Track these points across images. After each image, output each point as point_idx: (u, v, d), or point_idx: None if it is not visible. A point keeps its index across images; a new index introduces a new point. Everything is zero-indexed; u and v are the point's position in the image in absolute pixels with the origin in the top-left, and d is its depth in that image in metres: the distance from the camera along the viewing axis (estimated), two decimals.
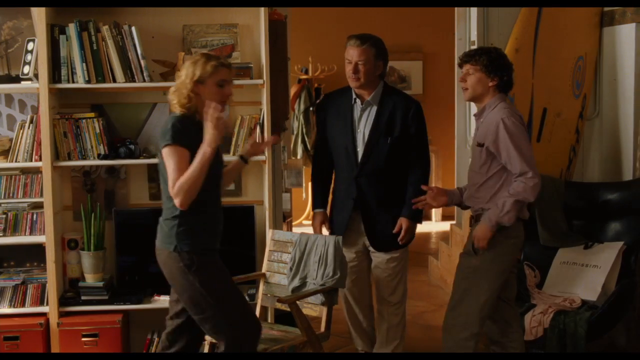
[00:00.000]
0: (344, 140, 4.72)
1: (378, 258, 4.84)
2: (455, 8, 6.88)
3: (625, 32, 5.28)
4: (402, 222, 4.72)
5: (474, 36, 6.16)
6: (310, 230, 4.99)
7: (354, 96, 4.73)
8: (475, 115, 4.40)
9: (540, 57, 5.28)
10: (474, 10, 6.26)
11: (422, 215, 4.83)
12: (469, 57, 4.27)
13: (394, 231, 4.72)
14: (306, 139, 9.10)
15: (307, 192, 9.49)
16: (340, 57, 9.26)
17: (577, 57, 5.49)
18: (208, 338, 4.52)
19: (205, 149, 3.67)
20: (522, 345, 4.43)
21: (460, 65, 4.32)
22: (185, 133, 3.77)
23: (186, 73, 3.83)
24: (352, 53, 4.69)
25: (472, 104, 4.72)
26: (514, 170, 4.14)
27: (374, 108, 4.68)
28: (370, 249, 4.84)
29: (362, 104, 4.70)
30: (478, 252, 4.22)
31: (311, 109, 9.11)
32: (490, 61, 4.21)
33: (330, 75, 9.31)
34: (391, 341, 4.86)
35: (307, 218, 9.59)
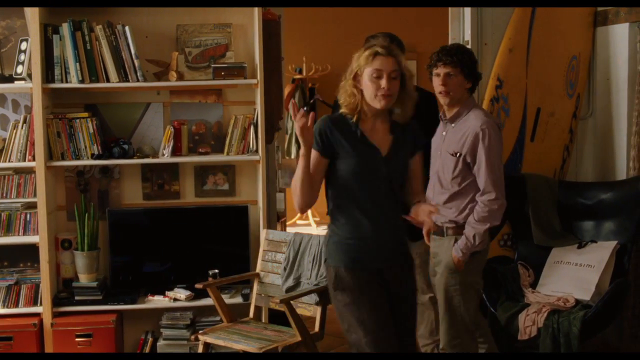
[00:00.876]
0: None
1: None
2: (449, 8, 6.86)
3: (618, 32, 5.27)
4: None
5: (467, 36, 6.13)
6: (304, 229, 4.98)
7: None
8: (446, 120, 4.09)
9: (534, 57, 5.26)
10: (467, 10, 6.24)
11: None
12: (449, 57, 3.95)
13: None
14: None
15: None
16: (334, 57, 9.40)
17: (570, 56, 5.48)
18: (202, 337, 4.52)
19: (300, 154, 3.40)
20: (492, 345, 4.41)
21: (434, 66, 4.00)
22: (319, 136, 3.42)
23: (350, 66, 3.48)
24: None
25: None
26: (479, 185, 3.97)
27: None
28: None
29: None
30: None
31: (305, 108, 9.08)
32: (471, 61, 4.01)
33: (325, 75, 9.30)
34: None
35: (300, 218, 9.59)
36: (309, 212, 9.49)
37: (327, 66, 9.25)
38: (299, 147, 9.01)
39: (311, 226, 9.40)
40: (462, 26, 6.61)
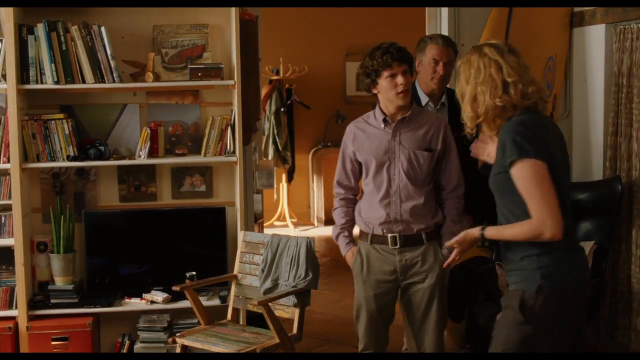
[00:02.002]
0: None
1: None
2: (426, 9, 6.87)
3: (595, 33, 5.29)
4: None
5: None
6: (282, 231, 4.97)
7: (424, 97, 4.52)
8: (399, 120, 3.95)
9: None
10: (444, 11, 6.25)
11: None
12: (402, 54, 3.90)
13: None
14: (277, 139, 9.07)
15: (278, 193, 9.50)
16: (311, 58, 9.42)
17: (547, 57, 5.49)
18: (179, 340, 4.50)
19: None
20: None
21: (389, 66, 3.83)
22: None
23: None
24: (442, 53, 4.42)
25: None
26: (448, 180, 4.02)
27: (446, 109, 4.52)
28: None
29: (435, 106, 4.51)
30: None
31: (282, 109, 9.08)
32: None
33: (302, 75, 9.29)
34: None
35: (278, 219, 9.58)
36: (286, 212, 9.49)
37: (304, 67, 9.25)
38: (276, 148, 9.07)
39: (289, 227, 9.37)
40: (439, 26, 6.64)
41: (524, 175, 2.97)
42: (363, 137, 4.03)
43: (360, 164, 4.08)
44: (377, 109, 4.02)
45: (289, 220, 9.48)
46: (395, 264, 3.99)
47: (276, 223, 9.54)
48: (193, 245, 5.24)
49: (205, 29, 5.20)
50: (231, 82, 5.03)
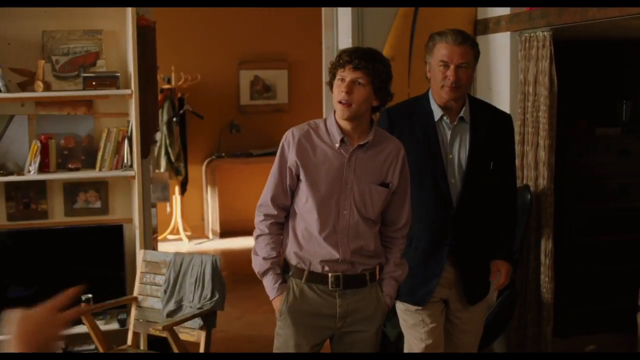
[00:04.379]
0: (431, 169, 3.61)
1: (464, 315, 3.79)
2: (322, 16, 6.79)
3: (499, 41, 5.27)
4: (500, 266, 3.79)
5: (347, 44, 6.07)
6: (176, 245, 4.74)
7: (437, 111, 3.63)
8: (360, 145, 3.25)
9: (417, 66, 5.20)
10: (342, 18, 6.19)
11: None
12: (364, 61, 3.13)
13: (491, 278, 3.80)
14: (170, 150, 8.79)
15: (171, 205, 9.23)
16: (204, 66, 9.21)
17: None
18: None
19: None
20: None
21: (341, 67, 3.16)
22: None
23: None
24: (452, 53, 3.53)
25: None
26: (399, 217, 3.39)
27: (467, 126, 3.64)
28: (453, 304, 3.76)
29: (452, 122, 3.63)
30: None
31: (174, 119, 8.82)
32: (386, 75, 3.21)
33: (194, 84, 9.06)
34: None
35: (171, 232, 9.29)
36: (180, 226, 9.22)
37: (197, 75, 9.02)
38: (168, 159, 8.80)
39: (182, 241, 9.10)
40: (336, 34, 6.58)
41: None
42: (310, 151, 3.24)
43: (299, 181, 3.29)
44: (331, 119, 3.27)
45: (183, 234, 9.21)
46: (335, 308, 3.29)
47: (169, 237, 9.26)
48: (88, 266, 5.01)
49: (99, 34, 5.00)
50: (128, 91, 4.83)
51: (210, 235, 9.40)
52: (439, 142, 3.60)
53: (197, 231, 9.50)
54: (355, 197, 3.22)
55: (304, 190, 3.25)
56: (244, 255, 8.52)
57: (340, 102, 3.15)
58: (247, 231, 9.53)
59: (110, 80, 4.83)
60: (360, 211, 3.24)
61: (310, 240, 3.26)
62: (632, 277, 5.37)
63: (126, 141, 4.89)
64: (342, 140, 3.21)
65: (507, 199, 3.80)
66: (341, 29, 6.55)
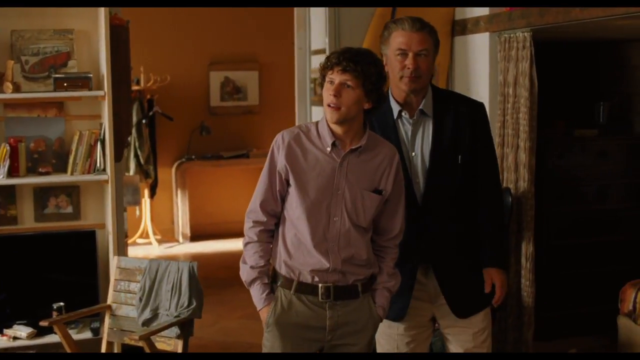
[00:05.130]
0: None
1: (457, 333, 3.54)
2: (295, 17, 6.75)
3: (478, 42, 5.22)
4: (494, 275, 3.51)
5: (321, 44, 6.03)
6: (146, 249, 4.63)
7: (395, 107, 3.42)
8: (353, 149, 3.14)
9: None
10: (314, 19, 6.14)
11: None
12: (352, 63, 3.02)
13: (487, 291, 3.52)
14: (139, 153, 8.67)
15: (140, 209, 9.09)
16: (174, 67, 9.09)
17: None
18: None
19: None
20: None
21: (330, 69, 3.07)
22: None
23: None
24: (410, 40, 3.32)
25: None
26: (394, 229, 3.28)
27: (430, 120, 3.42)
28: (442, 321, 3.54)
29: (411, 117, 3.41)
30: None
31: (144, 121, 8.69)
32: (378, 77, 3.09)
33: (164, 86, 8.94)
34: None
35: (141, 236, 9.15)
36: (150, 229, 9.09)
37: (166, 77, 8.90)
38: (137, 162, 8.68)
39: (152, 245, 8.97)
40: (308, 35, 6.52)
41: None
42: (300, 155, 3.14)
43: (288, 186, 3.19)
44: (323, 123, 3.16)
45: (153, 238, 9.08)
46: (324, 320, 3.18)
47: (139, 241, 9.12)
48: (59, 273, 4.92)
49: (70, 34, 4.91)
50: (101, 92, 4.75)
51: (181, 239, 9.28)
52: (399, 140, 3.37)
53: (167, 235, 9.38)
54: (347, 204, 3.12)
55: (293, 195, 3.14)
56: (216, 259, 8.45)
57: (329, 105, 3.05)
58: (218, 234, 9.53)
59: (82, 81, 4.76)
60: (352, 218, 3.13)
61: (299, 248, 3.15)
62: (612, 279, 5.34)
63: (99, 144, 4.81)
64: (333, 144, 3.11)
65: (489, 197, 3.52)
66: (314, 29, 6.50)
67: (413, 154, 3.39)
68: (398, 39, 3.32)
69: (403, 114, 3.39)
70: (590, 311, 5.61)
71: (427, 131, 3.38)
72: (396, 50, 3.32)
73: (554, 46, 5.78)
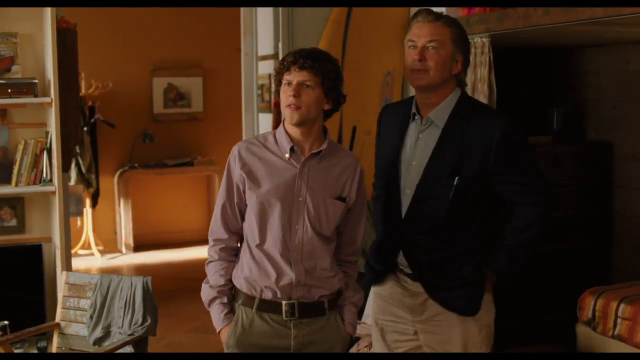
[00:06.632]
0: (387, 175, 3.23)
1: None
2: (241, 21, 6.67)
3: None
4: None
5: (269, 50, 5.94)
6: (88, 260, 4.45)
7: (413, 109, 3.15)
8: (314, 154, 3.01)
9: (348, 74, 5.08)
10: (262, 23, 6.07)
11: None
12: (310, 60, 2.89)
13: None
14: (80, 161, 8.42)
15: (82, 219, 8.84)
16: (116, 73, 8.88)
17: (385, 73, 5.40)
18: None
19: None
20: None
21: (287, 70, 2.94)
22: None
23: None
24: (420, 31, 3.05)
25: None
26: (357, 241, 3.16)
27: (439, 132, 3.10)
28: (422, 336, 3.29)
29: (422, 121, 3.13)
30: None
31: (85, 128, 8.45)
32: (336, 75, 2.96)
33: (106, 92, 8.72)
34: None
35: (82, 247, 8.89)
36: (92, 240, 8.84)
37: (108, 83, 8.69)
38: (79, 171, 8.43)
39: (94, 256, 8.72)
40: (255, 40, 6.43)
41: None
42: (259, 165, 3.00)
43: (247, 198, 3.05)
44: (280, 130, 3.03)
45: (95, 249, 8.83)
46: (289, 340, 3.01)
47: (80, 252, 8.85)
48: (3, 290, 4.70)
49: (14, 38, 4.72)
50: (47, 99, 4.57)
51: (124, 250, 9.05)
52: (400, 145, 3.14)
53: (109, 245, 9.15)
54: (309, 211, 2.97)
55: (252, 206, 2.99)
56: (161, 270, 8.24)
57: (288, 106, 2.91)
58: (161, 244, 9.33)
59: (27, 87, 4.59)
60: (315, 227, 2.98)
61: (261, 261, 2.99)
62: (569, 287, 5.30)
63: (45, 153, 4.62)
64: (292, 150, 2.98)
65: (527, 225, 3.31)
66: (261, 34, 6.41)
67: (414, 163, 3.12)
68: (411, 30, 3.07)
69: (417, 117, 3.13)
70: (548, 319, 5.57)
71: (432, 142, 3.09)
72: (408, 41, 3.07)
73: (509, 52, 5.74)
